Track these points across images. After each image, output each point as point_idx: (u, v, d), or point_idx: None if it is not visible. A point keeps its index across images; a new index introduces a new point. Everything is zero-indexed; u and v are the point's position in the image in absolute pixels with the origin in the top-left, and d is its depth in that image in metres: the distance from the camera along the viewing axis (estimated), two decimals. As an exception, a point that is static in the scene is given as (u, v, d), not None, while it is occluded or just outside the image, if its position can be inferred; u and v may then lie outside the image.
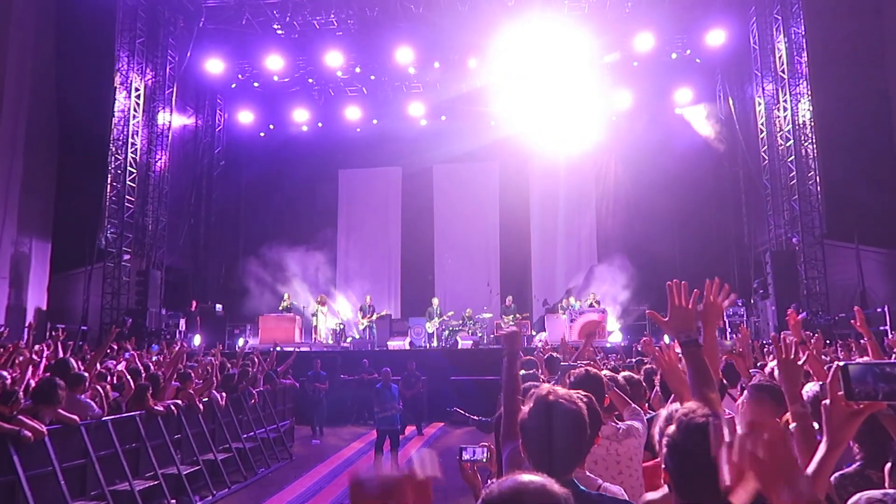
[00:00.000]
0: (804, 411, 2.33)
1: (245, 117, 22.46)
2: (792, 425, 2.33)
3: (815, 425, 2.28)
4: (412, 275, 21.82)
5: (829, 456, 1.67)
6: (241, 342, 17.63)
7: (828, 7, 16.31)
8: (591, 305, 17.14)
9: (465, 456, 2.79)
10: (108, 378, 8.36)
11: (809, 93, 16.35)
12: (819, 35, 16.31)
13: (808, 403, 2.48)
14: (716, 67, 20.39)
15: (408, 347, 17.10)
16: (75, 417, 6.44)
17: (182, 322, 17.64)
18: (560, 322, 16.92)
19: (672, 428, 1.59)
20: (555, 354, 5.86)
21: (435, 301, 18.65)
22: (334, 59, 19.61)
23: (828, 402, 1.64)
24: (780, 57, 17.07)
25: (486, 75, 20.09)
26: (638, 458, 3.41)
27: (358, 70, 20.69)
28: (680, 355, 2.55)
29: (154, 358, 10.39)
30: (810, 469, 1.68)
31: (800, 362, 2.42)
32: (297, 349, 16.55)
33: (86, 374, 7.08)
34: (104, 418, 7.01)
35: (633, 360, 7.30)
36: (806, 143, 16.49)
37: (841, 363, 1.57)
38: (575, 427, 2.06)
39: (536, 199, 21.83)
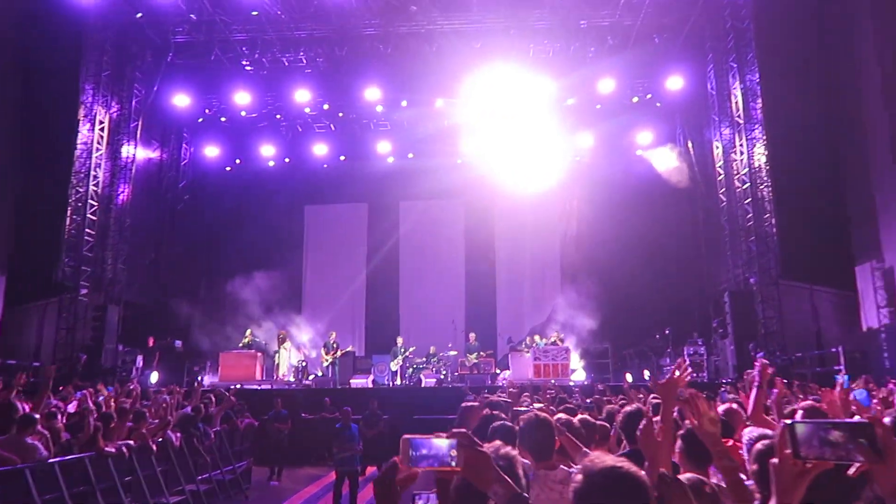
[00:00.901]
0: (733, 465, 2.32)
1: (211, 152, 22.34)
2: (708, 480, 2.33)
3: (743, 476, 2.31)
4: (377, 311, 21.71)
5: None
6: (200, 380, 17.23)
7: (781, 56, 17.05)
8: (553, 343, 17.21)
9: (419, 503, 2.78)
10: (60, 418, 8.09)
11: (764, 138, 16.95)
12: (772, 82, 17.02)
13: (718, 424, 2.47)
14: (675, 111, 21.04)
15: (371, 385, 16.89)
16: (13, 457, 6.19)
17: (139, 359, 17.20)
18: (524, 360, 16.93)
19: (578, 476, 1.60)
20: (496, 398, 5.79)
21: (399, 339, 18.53)
22: (302, 95, 19.74)
23: (776, 460, 1.63)
24: (736, 103, 17.70)
25: (454, 115, 20.41)
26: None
27: (326, 107, 20.84)
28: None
29: (100, 398, 10.06)
30: None
31: (713, 416, 2.43)
32: (258, 387, 16.30)
33: (37, 416, 6.85)
34: (51, 460, 6.76)
35: (591, 399, 7.32)
36: (762, 186, 17.02)
37: (788, 422, 1.59)
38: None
39: (502, 237, 22.03)
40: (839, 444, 1.50)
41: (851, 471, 1.54)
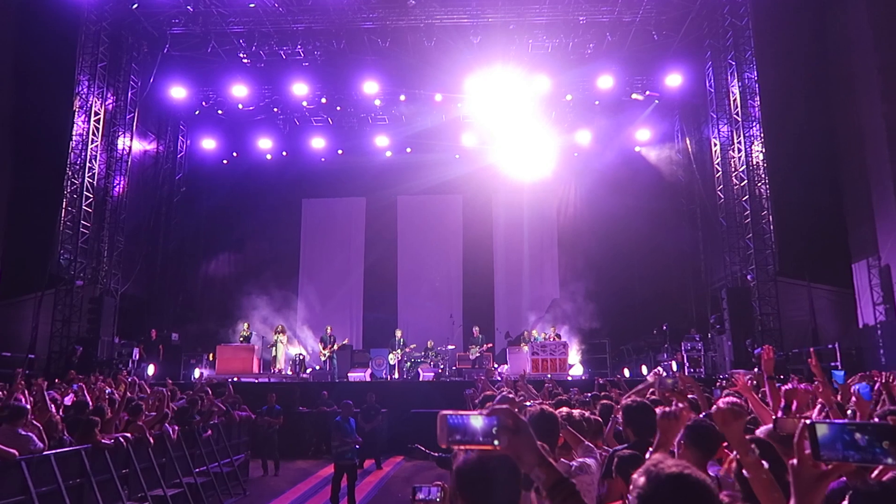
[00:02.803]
0: (755, 459, 2.26)
1: (208, 144, 22.24)
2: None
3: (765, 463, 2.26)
4: (375, 305, 21.69)
5: None
6: (196, 373, 17.21)
7: (779, 54, 17.03)
8: (551, 338, 17.22)
9: (420, 496, 2.75)
10: (56, 410, 8.04)
11: (762, 135, 16.96)
12: (770, 80, 17.01)
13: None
14: (674, 108, 21.02)
15: (368, 379, 16.89)
16: (13, 451, 6.15)
17: (136, 351, 17.14)
18: (522, 354, 16.94)
19: (642, 479, 1.50)
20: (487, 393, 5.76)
21: (398, 332, 18.52)
22: (300, 89, 19.64)
23: (795, 462, 1.55)
24: (734, 100, 17.70)
25: (452, 109, 20.36)
26: (591, 494, 3.40)
27: (324, 101, 20.74)
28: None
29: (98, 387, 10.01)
30: None
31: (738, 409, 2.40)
32: (255, 380, 16.27)
33: (27, 407, 6.80)
34: (46, 452, 6.71)
35: (589, 395, 7.30)
36: (759, 184, 17.03)
37: (808, 421, 1.51)
38: (511, 476, 1.87)
39: (500, 232, 22.02)
40: (862, 446, 1.44)
41: (874, 474, 1.50)
